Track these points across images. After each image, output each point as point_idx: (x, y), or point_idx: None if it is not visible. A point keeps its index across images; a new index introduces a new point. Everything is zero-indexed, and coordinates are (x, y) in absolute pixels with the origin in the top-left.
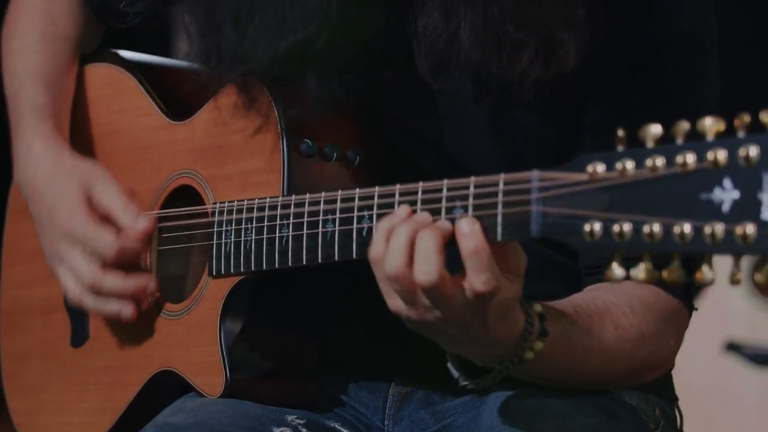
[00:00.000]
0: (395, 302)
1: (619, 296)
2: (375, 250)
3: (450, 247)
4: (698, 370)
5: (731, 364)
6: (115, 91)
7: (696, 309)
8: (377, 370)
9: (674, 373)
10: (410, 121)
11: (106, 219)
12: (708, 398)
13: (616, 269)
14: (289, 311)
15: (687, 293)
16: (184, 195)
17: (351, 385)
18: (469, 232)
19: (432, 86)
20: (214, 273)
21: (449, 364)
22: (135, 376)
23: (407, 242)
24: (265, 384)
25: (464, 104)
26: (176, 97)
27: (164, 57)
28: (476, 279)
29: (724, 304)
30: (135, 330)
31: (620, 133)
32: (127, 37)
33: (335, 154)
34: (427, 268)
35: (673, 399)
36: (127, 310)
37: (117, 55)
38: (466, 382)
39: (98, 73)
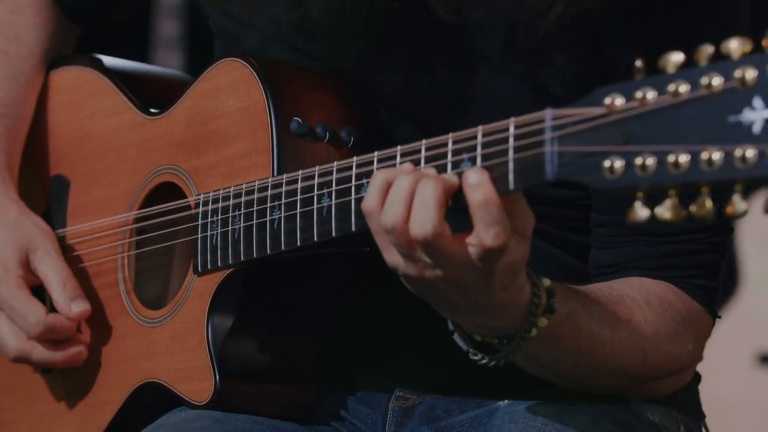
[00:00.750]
0: (392, 257)
1: (636, 290)
2: (369, 201)
3: (457, 212)
4: (728, 384)
5: (765, 378)
6: (85, 94)
7: (720, 317)
8: (377, 379)
9: (701, 387)
10: (409, 101)
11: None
12: (739, 415)
13: (640, 209)
14: (282, 306)
15: (710, 298)
16: (167, 193)
17: (349, 398)
18: (477, 182)
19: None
20: (200, 269)
21: (455, 335)
22: (113, 394)
23: (407, 192)
24: (258, 389)
25: (474, 83)
26: (152, 94)
27: (140, 62)
28: (485, 233)
29: (757, 312)
30: (111, 344)
31: (638, 63)
32: (101, 42)
33: (327, 134)
34: (423, 218)
35: (699, 416)
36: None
37: (88, 57)
38: (476, 356)
39: (67, 77)
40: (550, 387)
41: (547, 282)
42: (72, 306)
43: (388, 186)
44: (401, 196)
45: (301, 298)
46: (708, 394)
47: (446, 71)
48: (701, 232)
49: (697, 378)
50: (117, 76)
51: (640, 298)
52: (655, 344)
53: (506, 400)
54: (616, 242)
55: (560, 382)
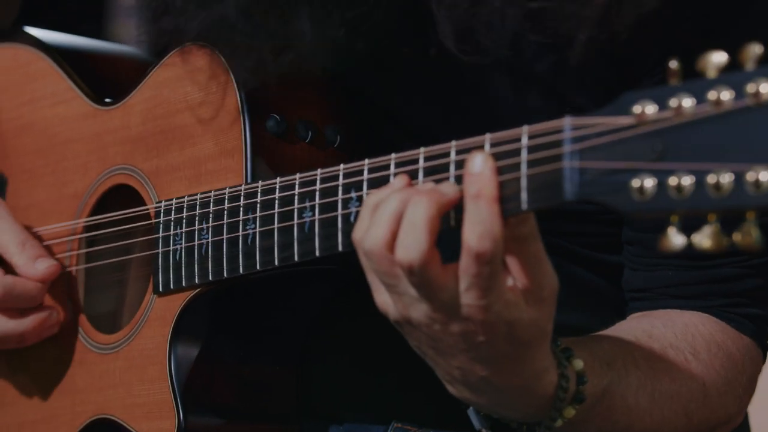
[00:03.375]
0: (381, 296)
1: (680, 334)
2: (358, 229)
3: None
4: None
5: None
6: (24, 77)
7: None
8: (369, 412)
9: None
10: (404, 102)
11: None
12: None
13: (675, 236)
14: (256, 332)
15: (760, 329)
16: (121, 198)
17: None
18: (478, 170)
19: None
20: (161, 288)
21: (470, 410)
22: (60, 431)
23: (393, 212)
24: (229, 429)
25: (487, 90)
26: (104, 79)
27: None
28: (471, 233)
29: None
30: (59, 372)
31: (673, 64)
32: (47, 10)
33: (310, 133)
34: (409, 241)
35: None
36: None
37: (26, 33)
38: None
39: (1, 57)
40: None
41: (579, 365)
42: (36, 264)
43: (377, 209)
44: (386, 217)
45: (278, 322)
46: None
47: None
48: (740, 254)
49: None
50: (62, 56)
51: (685, 346)
52: (701, 402)
53: None
54: (647, 264)
55: None
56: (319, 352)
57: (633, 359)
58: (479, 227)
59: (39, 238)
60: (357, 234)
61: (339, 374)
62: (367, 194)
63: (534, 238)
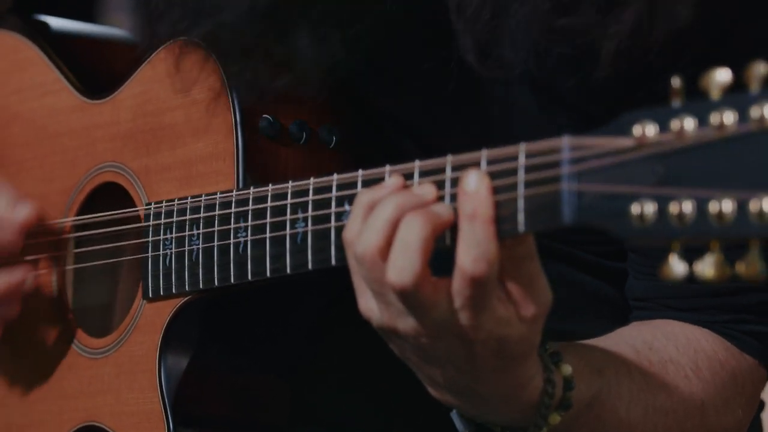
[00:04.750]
0: (366, 302)
1: (683, 349)
2: (350, 229)
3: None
4: None
5: None
6: (10, 66)
7: None
8: (367, 425)
9: None
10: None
11: None
12: None
13: (676, 265)
14: (249, 340)
15: (764, 346)
16: (110, 196)
17: None
18: (473, 190)
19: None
20: (150, 295)
21: (453, 413)
22: None
23: (389, 221)
24: None
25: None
26: (94, 69)
27: (82, 21)
28: (465, 255)
29: None
30: (46, 376)
31: (675, 83)
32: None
33: (304, 134)
34: (403, 264)
35: None
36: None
37: (12, 19)
38: None
39: None
40: None
41: (567, 370)
42: (17, 207)
43: (371, 209)
44: (381, 223)
45: (271, 331)
46: None
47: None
48: None
49: (761, 405)
50: (50, 45)
51: (686, 362)
52: (698, 421)
53: None
54: (648, 273)
55: None
56: (313, 360)
57: (627, 370)
58: (474, 250)
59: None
60: (348, 234)
61: (331, 386)
62: (360, 192)
63: (531, 258)
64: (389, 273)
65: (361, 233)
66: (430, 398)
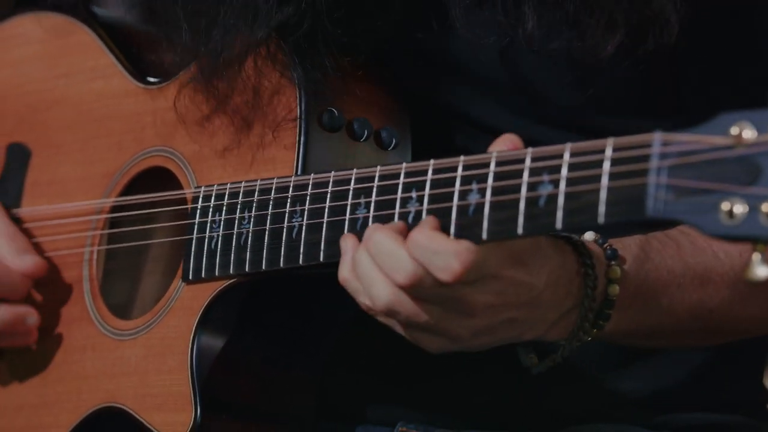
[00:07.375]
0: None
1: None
2: (363, 301)
3: None
4: None
5: None
6: (62, 49)
7: None
8: (377, 412)
9: None
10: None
11: None
12: None
13: (759, 267)
14: (284, 333)
15: None
16: (155, 180)
17: None
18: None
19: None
20: (190, 276)
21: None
22: (62, 417)
23: (373, 267)
24: (245, 428)
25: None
26: (151, 59)
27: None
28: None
29: None
30: (66, 356)
31: None
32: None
33: (366, 132)
34: (395, 264)
35: None
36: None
37: (71, 4)
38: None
39: (39, 25)
40: (564, 421)
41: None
42: (23, 256)
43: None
44: (371, 273)
45: (312, 325)
46: None
47: None
48: None
49: None
50: (107, 32)
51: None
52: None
53: None
54: None
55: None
56: (341, 356)
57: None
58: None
59: (59, 214)
60: (366, 302)
61: (351, 374)
62: (430, 201)
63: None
64: (394, 276)
65: (370, 293)
66: (453, 396)
